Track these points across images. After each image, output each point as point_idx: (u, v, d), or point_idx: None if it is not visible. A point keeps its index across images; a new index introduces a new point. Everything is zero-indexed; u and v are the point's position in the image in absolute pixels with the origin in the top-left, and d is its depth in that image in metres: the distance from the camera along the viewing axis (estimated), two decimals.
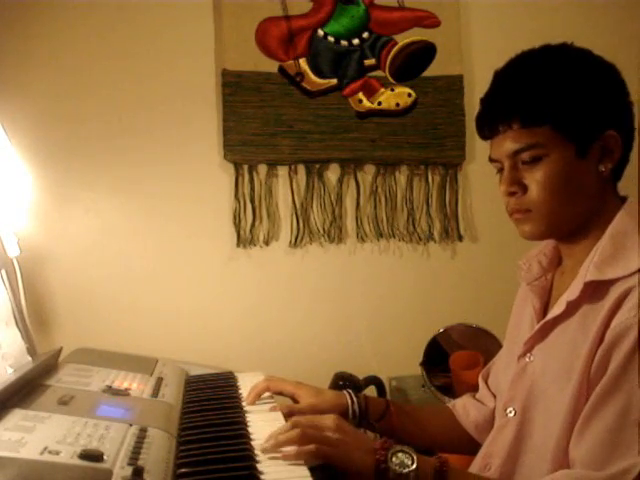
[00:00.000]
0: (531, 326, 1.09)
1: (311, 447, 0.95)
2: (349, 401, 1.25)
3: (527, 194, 1.02)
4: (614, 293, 0.94)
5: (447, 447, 1.35)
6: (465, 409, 1.30)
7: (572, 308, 1.00)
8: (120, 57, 1.72)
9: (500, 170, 1.07)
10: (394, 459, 0.94)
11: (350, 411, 1.24)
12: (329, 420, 1.01)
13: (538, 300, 1.11)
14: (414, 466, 0.93)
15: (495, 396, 1.25)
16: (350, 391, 1.27)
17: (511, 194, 1.04)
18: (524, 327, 1.13)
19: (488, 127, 1.06)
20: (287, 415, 1.25)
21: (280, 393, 1.31)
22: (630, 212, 1.02)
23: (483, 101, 1.08)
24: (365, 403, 1.25)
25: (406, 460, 0.93)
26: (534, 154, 1.00)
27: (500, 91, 1.06)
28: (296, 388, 1.28)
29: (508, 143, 1.02)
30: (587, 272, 0.98)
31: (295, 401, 1.28)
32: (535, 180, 1.01)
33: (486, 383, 1.30)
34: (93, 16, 1.70)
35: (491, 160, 1.08)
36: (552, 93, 1.00)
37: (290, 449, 0.96)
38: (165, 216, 1.75)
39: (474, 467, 1.14)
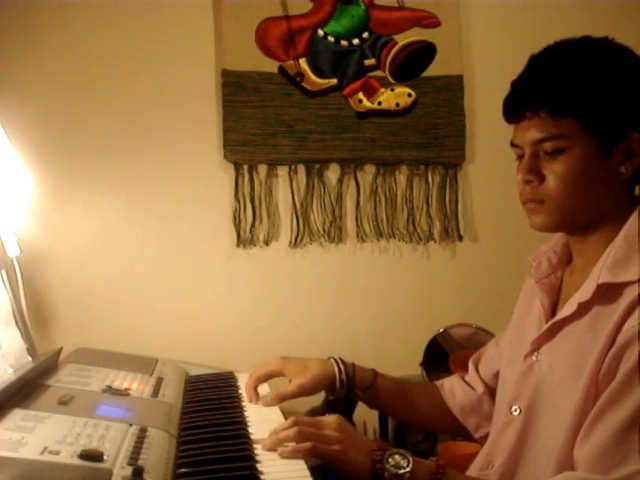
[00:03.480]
0: (539, 324, 1.08)
1: (307, 445, 0.96)
2: (336, 370, 1.26)
3: (544, 184, 1.01)
4: (626, 297, 0.93)
5: (432, 425, 1.38)
6: (452, 390, 1.30)
7: (583, 309, 0.98)
8: (120, 57, 1.72)
9: (520, 157, 1.05)
10: (390, 460, 0.94)
11: (337, 380, 1.25)
12: (330, 419, 1.02)
13: (547, 298, 1.10)
14: (409, 468, 0.93)
15: (484, 382, 1.26)
16: (337, 359, 1.29)
17: (527, 182, 1.02)
18: (531, 324, 1.12)
19: (515, 111, 1.04)
20: (280, 401, 1.26)
21: (270, 377, 1.32)
22: None
23: (514, 84, 1.06)
24: (353, 371, 1.27)
25: (402, 462, 0.94)
26: (557, 145, 0.99)
27: (532, 77, 1.04)
28: (282, 366, 1.30)
29: (533, 131, 1.01)
30: (600, 274, 0.97)
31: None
32: (554, 172, 0.99)
33: (477, 368, 1.30)
34: (93, 16, 1.70)
35: (512, 145, 1.07)
36: (584, 86, 0.98)
37: (287, 446, 0.97)
38: (165, 216, 1.75)
39: (477, 464, 1.14)
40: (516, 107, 1.04)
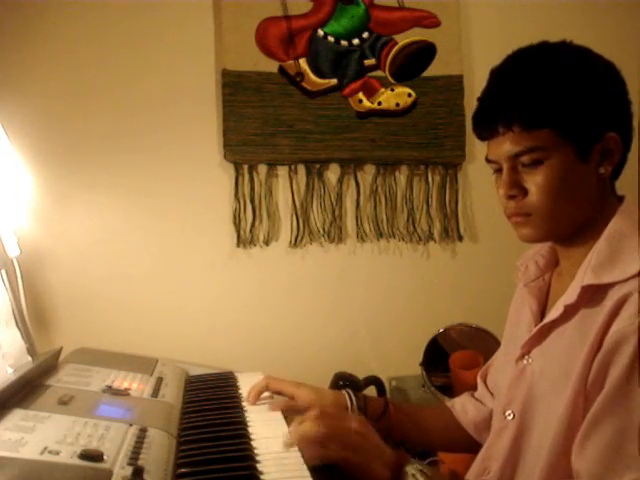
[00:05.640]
0: (529, 328, 1.08)
1: (332, 451, 0.97)
2: (348, 401, 1.24)
3: (527, 198, 1.00)
4: (612, 298, 0.93)
5: (446, 446, 1.36)
6: (464, 408, 1.29)
7: (570, 312, 0.99)
8: (120, 57, 1.72)
9: (497, 171, 1.04)
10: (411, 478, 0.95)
11: (349, 411, 1.23)
12: (355, 424, 1.01)
13: (535, 302, 1.10)
14: None
15: (493, 395, 1.25)
16: (349, 391, 1.27)
17: (511, 197, 1.01)
18: (522, 329, 1.12)
19: (487, 128, 1.03)
20: (285, 412, 1.25)
21: (279, 393, 1.30)
22: (627, 213, 1.01)
23: (481, 101, 1.05)
24: (364, 403, 1.25)
25: (421, 478, 0.95)
26: (535, 157, 0.98)
27: (499, 91, 1.03)
28: (295, 388, 1.27)
29: (508, 145, 1.00)
30: (584, 276, 0.97)
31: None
32: (536, 184, 0.98)
33: (485, 383, 1.29)
34: (93, 16, 1.70)
35: (488, 161, 1.06)
36: (554, 95, 0.98)
37: (312, 448, 0.98)
38: (165, 216, 1.75)
39: (473, 470, 1.14)
40: (487, 124, 1.03)
